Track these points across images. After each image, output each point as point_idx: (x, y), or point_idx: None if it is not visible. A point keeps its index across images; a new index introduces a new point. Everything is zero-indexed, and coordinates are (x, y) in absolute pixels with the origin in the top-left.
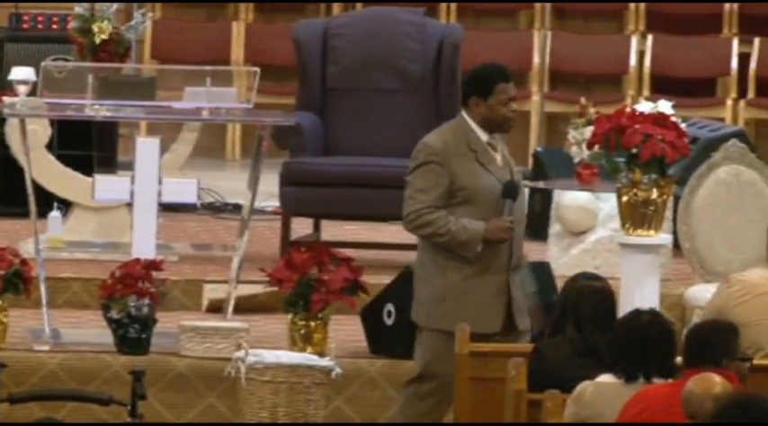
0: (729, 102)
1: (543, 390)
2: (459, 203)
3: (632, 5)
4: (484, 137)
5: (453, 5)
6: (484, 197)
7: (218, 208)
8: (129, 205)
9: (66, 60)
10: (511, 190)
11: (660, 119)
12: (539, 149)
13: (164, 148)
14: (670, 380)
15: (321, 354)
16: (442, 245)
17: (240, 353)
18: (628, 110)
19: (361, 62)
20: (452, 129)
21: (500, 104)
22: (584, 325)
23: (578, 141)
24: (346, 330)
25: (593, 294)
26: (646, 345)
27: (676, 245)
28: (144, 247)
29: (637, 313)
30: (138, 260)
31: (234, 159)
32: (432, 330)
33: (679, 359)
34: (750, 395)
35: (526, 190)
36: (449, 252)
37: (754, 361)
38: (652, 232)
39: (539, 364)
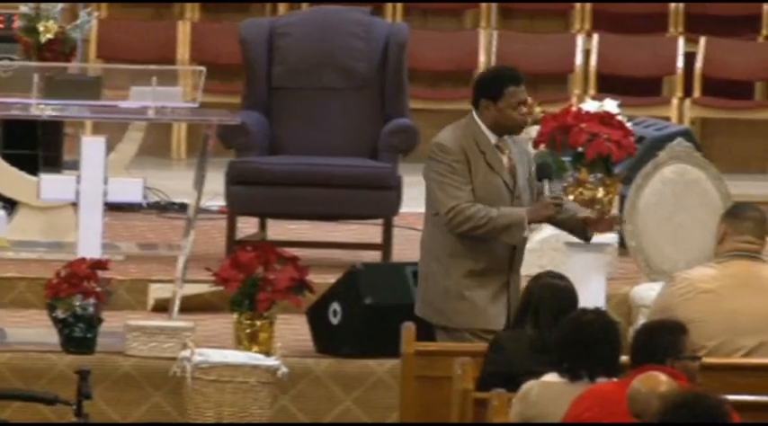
0: (675, 101)
1: (498, 380)
2: None
3: (578, 5)
4: (493, 139)
5: (399, 5)
6: (492, 199)
7: (163, 208)
8: (75, 204)
9: (12, 59)
10: (544, 171)
11: (606, 118)
12: None
13: (109, 148)
14: (615, 379)
15: (267, 353)
16: (484, 236)
17: (186, 352)
18: (574, 109)
19: (308, 61)
20: (463, 130)
21: (510, 108)
22: (543, 323)
23: (524, 140)
24: (292, 329)
25: (555, 293)
26: (589, 344)
27: (622, 244)
28: (89, 246)
29: (582, 312)
30: (83, 259)
31: (179, 158)
32: (437, 327)
33: (625, 358)
34: (696, 394)
35: None
36: (453, 251)
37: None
38: None
39: (496, 355)
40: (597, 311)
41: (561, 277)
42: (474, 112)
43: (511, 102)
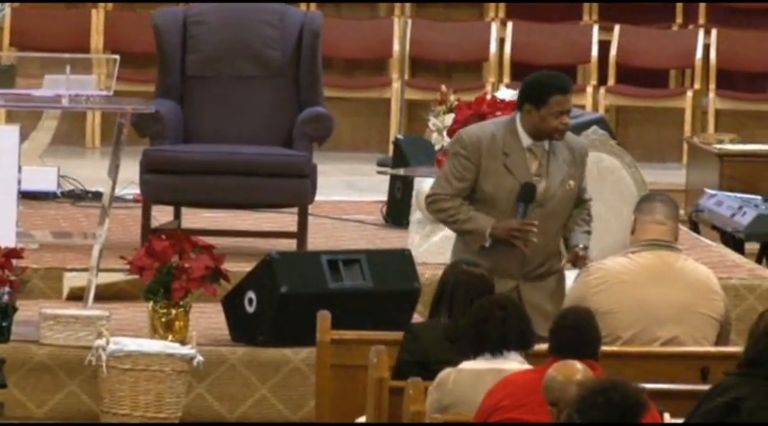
0: (590, 89)
1: (413, 369)
2: (479, 201)
3: None
4: (526, 142)
5: None
6: (502, 201)
7: (78, 196)
8: None
9: None
10: (526, 194)
11: None
12: (399, 137)
13: (23, 136)
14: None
15: (182, 342)
16: (455, 232)
17: (101, 341)
18: (488, 97)
19: (221, 49)
20: (498, 127)
21: (552, 116)
22: (457, 311)
23: (439, 128)
24: (207, 318)
25: (470, 280)
26: (489, 317)
27: None
28: (4, 235)
29: (489, 297)
30: None
31: (94, 147)
32: None
33: (543, 347)
34: (613, 382)
35: (387, 178)
36: (460, 248)
37: (613, 348)
38: None
39: (411, 344)
40: (503, 295)
41: (476, 264)
42: (518, 113)
43: (554, 110)
